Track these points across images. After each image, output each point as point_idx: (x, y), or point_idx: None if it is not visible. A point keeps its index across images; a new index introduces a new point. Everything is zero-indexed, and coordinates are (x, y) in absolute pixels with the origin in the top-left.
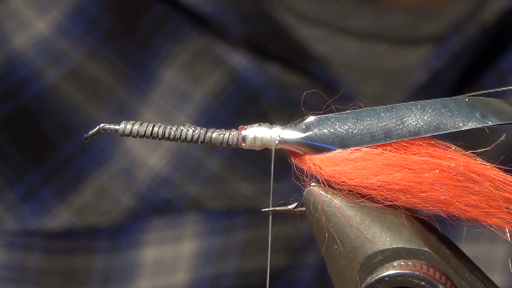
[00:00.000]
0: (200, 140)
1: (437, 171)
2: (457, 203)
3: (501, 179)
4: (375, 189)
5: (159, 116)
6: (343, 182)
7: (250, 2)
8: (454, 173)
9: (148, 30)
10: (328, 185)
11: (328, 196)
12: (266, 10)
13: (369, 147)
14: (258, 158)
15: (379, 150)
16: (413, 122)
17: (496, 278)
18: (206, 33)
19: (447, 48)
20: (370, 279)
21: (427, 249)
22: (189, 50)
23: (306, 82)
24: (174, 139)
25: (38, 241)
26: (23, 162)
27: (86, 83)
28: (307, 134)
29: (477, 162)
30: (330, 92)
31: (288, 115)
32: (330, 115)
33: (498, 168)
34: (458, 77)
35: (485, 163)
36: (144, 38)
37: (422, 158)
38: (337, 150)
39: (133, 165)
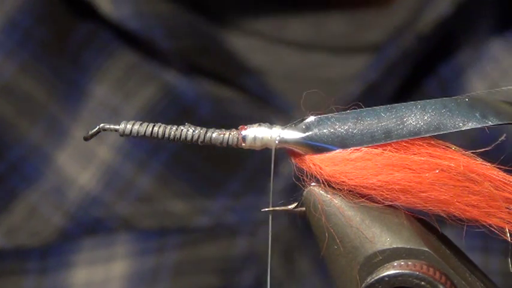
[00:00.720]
0: (200, 140)
1: (437, 171)
2: (457, 203)
3: (501, 179)
4: (375, 189)
5: None
6: (343, 182)
7: (179, 17)
8: (454, 173)
9: (78, 45)
10: (328, 185)
11: (328, 196)
12: (196, 24)
13: (369, 147)
14: (191, 175)
15: (379, 150)
16: (413, 122)
17: None
18: (136, 48)
19: (384, 58)
20: (370, 279)
21: (427, 249)
22: (119, 65)
23: (240, 95)
24: (174, 139)
25: None
26: None
27: (18, 99)
28: (307, 134)
29: (477, 162)
30: (265, 104)
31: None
32: (330, 115)
33: (498, 168)
34: (398, 86)
35: (485, 163)
36: (75, 53)
37: (422, 158)
38: (337, 150)
39: (64, 184)
